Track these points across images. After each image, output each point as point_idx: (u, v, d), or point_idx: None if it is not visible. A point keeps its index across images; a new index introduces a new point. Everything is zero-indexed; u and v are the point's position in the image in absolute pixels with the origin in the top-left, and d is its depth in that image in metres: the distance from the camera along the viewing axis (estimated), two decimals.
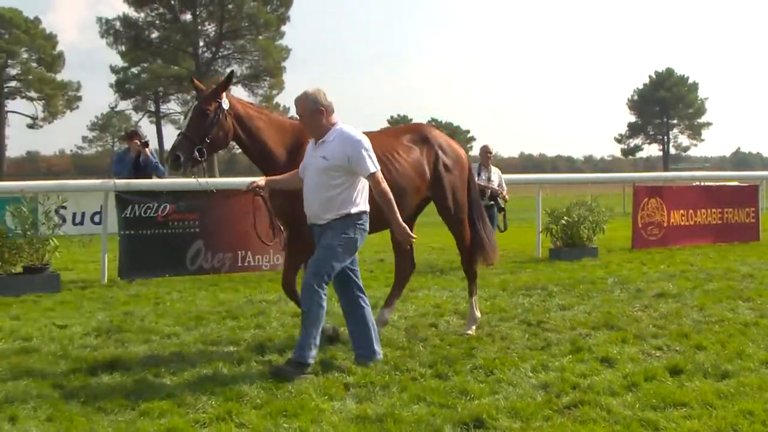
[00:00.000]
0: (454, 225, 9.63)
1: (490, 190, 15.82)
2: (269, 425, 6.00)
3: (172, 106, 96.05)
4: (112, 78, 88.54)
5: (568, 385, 6.96)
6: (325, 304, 7.70)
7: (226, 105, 8.08)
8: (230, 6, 77.97)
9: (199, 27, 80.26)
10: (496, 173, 16.21)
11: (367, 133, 9.06)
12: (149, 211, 13.60)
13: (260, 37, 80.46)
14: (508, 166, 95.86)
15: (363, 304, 8.13)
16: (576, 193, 27.39)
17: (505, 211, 16.19)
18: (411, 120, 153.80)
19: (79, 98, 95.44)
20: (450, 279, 13.93)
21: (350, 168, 7.56)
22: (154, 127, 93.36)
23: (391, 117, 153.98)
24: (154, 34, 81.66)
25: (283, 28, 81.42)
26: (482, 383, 7.10)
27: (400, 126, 9.42)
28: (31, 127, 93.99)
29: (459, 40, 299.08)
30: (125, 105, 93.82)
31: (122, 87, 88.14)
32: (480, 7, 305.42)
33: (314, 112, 7.64)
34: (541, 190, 18.90)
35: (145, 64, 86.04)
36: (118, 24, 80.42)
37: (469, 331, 9.22)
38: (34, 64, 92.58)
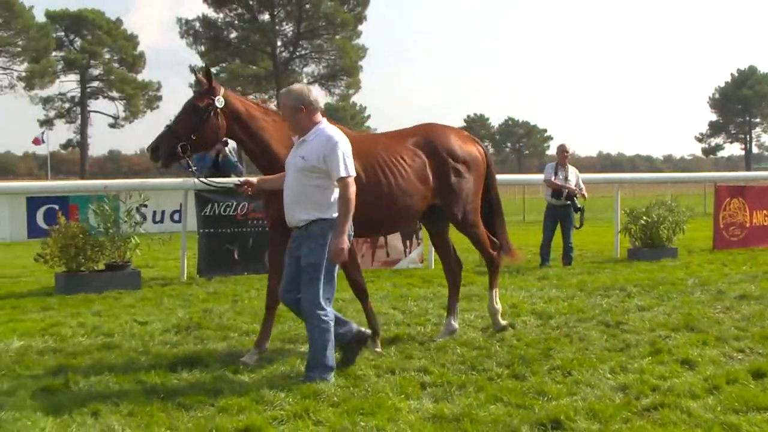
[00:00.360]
0: (467, 229, 9.25)
1: (566, 190, 15.68)
2: (346, 423, 6.01)
3: None
4: (192, 78, 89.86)
5: (647, 387, 6.87)
6: (323, 326, 7.28)
7: (220, 103, 7.90)
8: (308, 6, 78.43)
9: (277, 27, 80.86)
10: (573, 172, 16.06)
11: (372, 136, 9.01)
12: (228, 209, 13.75)
13: (337, 37, 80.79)
14: (585, 165, 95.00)
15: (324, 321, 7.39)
16: (655, 192, 27.06)
17: (583, 209, 16.02)
18: (488, 119, 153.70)
19: (160, 98, 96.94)
20: (526, 279, 13.83)
21: (327, 169, 7.21)
22: None
23: (468, 116, 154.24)
24: (233, 35, 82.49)
25: (360, 27, 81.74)
26: (560, 384, 7.05)
27: (407, 128, 9.03)
28: (112, 126, 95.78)
29: (536, 38, 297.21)
30: None
31: (201, 86, 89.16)
32: (557, 6, 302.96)
33: (294, 109, 7.32)
34: (619, 190, 18.66)
35: (224, 64, 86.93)
36: (197, 24, 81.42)
37: (503, 323, 9.34)
38: (116, 65, 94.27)
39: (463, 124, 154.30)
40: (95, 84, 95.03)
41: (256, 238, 13.89)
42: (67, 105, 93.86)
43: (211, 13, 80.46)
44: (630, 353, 8.20)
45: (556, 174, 15.81)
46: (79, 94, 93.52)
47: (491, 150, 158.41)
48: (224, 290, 12.62)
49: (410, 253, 15.08)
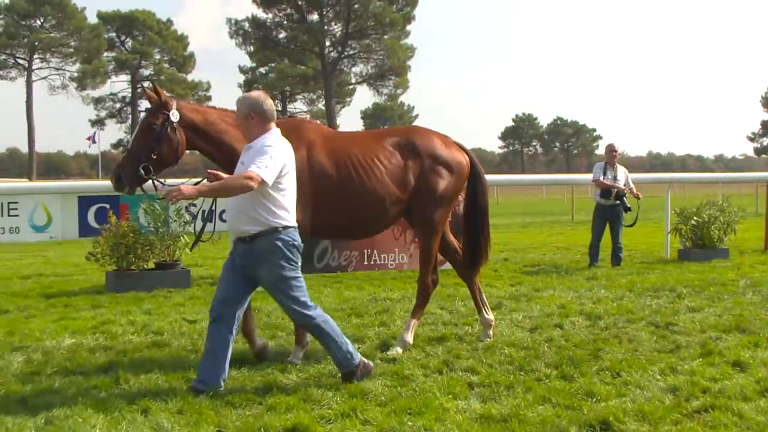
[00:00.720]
0: (423, 237, 8.82)
1: (615, 190, 15.56)
2: (393, 423, 6.01)
3: (299, 105, 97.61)
4: (241, 78, 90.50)
5: (698, 389, 6.80)
6: (320, 320, 7.21)
7: (175, 117, 7.57)
8: (356, 6, 78.55)
9: (326, 27, 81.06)
10: (622, 172, 15.93)
11: (350, 134, 8.90)
12: None
13: (386, 37, 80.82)
14: (635, 165, 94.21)
15: (227, 331, 7.22)
16: (706, 192, 26.78)
17: (632, 209, 15.88)
18: (536, 119, 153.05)
19: (209, 98, 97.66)
20: (575, 279, 13.74)
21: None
22: None
23: (516, 115, 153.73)
24: (282, 35, 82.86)
25: (409, 27, 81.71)
26: (609, 385, 6.99)
27: (389, 129, 8.81)
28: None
29: (585, 37, 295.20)
30: None
31: (250, 86, 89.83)
32: (606, 4, 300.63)
33: (245, 116, 7.11)
34: (669, 190, 18.49)
35: (273, 64, 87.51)
36: (246, 25, 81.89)
37: (397, 350, 8.39)
38: (166, 65, 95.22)
39: (511, 123, 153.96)
40: (146, 84, 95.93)
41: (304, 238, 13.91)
42: (117, 105, 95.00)
43: (260, 13, 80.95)
44: (680, 354, 8.12)
45: (605, 174, 15.69)
46: (129, 95, 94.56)
47: (539, 149, 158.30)
48: None
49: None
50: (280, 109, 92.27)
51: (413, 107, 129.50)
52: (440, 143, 8.73)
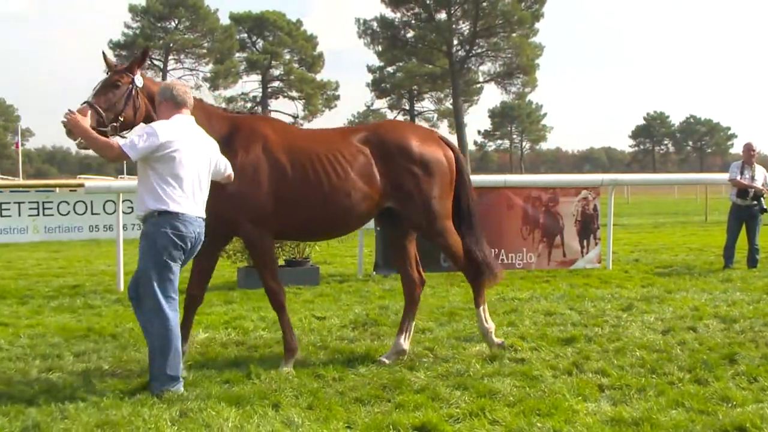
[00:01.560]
0: (433, 237, 8.39)
1: (753, 190, 15.11)
2: (522, 423, 5.97)
3: (426, 105, 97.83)
4: (369, 77, 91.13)
5: None
6: (171, 325, 6.93)
7: (139, 82, 7.48)
8: (484, 4, 78.18)
9: (454, 25, 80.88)
10: (760, 171, 15.44)
11: (313, 131, 8.54)
12: None
13: (514, 35, 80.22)
14: None
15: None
16: None
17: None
18: (668, 117, 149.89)
19: (337, 97, 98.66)
20: (709, 281, 13.40)
21: (150, 158, 6.86)
22: None
23: (647, 114, 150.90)
24: (410, 34, 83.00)
25: (537, 24, 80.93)
26: (745, 390, 6.81)
27: (361, 125, 8.39)
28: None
29: (720, 33, 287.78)
30: (381, 103, 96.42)
31: (378, 86, 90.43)
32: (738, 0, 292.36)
33: (158, 103, 7.22)
34: None
35: (401, 63, 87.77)
36: (375, 24, 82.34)
37: (497, 341, 8.37)
38: (296, 65, 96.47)
39: (642, 122, 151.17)
40: (275, 84, 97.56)
41: None
42: (249, 105, 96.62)
43: (388, 13, 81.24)
44: None
45: (741, 173, 15.25)
46: (260, 94, 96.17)
47: (671, 149, 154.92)
48: (400, 287, 12.60)
49: (587, 253, 14.84)
50: (407, 108, 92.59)
51: (541, 105, 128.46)
52: (414, 138, 8.24)
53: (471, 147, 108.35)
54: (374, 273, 13.95)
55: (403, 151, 8.08)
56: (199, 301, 8.27)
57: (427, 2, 79.61)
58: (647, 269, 15.22)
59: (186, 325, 7.89)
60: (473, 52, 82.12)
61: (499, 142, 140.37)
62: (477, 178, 16.64)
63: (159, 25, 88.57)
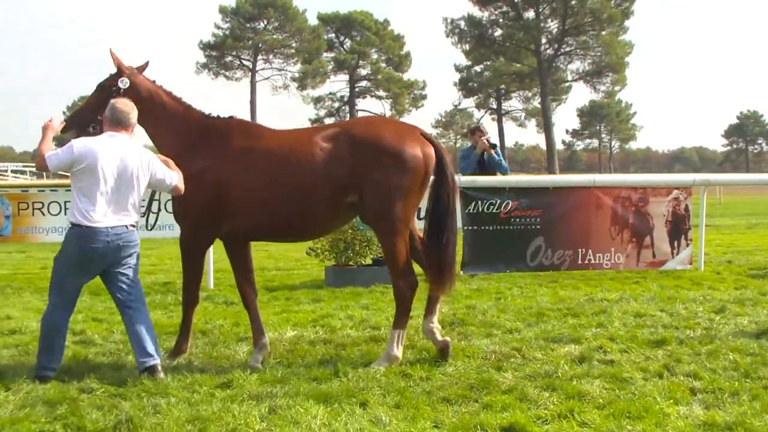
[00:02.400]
0: (381, 237, 8.13)
1: None
2: (612, 426, 5.90)
3: (514, 104, 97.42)
4: (456, 76, 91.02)
5: None
6: (50, 314, 7.51)
7: (124, 84, 8.12)
8: (573, 2, 77.43)
9: (542, 24, 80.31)
10: None
11: (280, 131, 8.47)
12: (492, 207, 13.78)
13: (603, 33, 79.29)
14: None
15: (130, 308, 7.75)
16: None
17: None
18: (762, 116, 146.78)
19: (424, 96, 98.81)
20: None
21: (71, 171, 7.43)
22: (495, 125, 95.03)
23: (741, 113, 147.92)
24: (497, 32, 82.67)
25: (627, 22, 79.87)
26: None
27: (337, 122, 8.25)
28: None
29: None
30: (468, 103, 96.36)
31: (465, 85, 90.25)
32: None
33: (104, 118, 7.72)
34: None
35: (488, 62, 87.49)
36: (462, 24, 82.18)
37: (381, 367, 7.72)
38: (383, 64, 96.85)
39: (736, 121, 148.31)
40: (363, 84, 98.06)
41: (519, 236, 13.87)
42: (336, 104, 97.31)
43: (476, 11, 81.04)
44: None
45: None
46: (347, 94, 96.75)
47: (765, 148, 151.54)
48: (487, 287, 12.69)
49: (678, 254, 14.60)
50: (494, 107, 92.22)
51: (631, 104, 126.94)
52: (388, 133, 7.98)
53: (559, 146, 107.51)
54: (461, 273, 13.91)
55: (370, 145, 7.87)
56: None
57: (516, 1, 79.19)
58: (740, 271, 14.91)
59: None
60: (562, 50, 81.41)
61: (588, 141, 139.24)
62: (565, 178, 16.51)
63: (248, 25, 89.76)
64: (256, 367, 7.76)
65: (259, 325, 8.21)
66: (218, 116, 8.38)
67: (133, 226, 7.58)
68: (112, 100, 7.78)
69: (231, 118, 8.36)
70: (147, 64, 8.56)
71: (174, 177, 7.73)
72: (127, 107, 7.67)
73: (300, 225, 8.19)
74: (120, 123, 7.61)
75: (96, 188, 7.33)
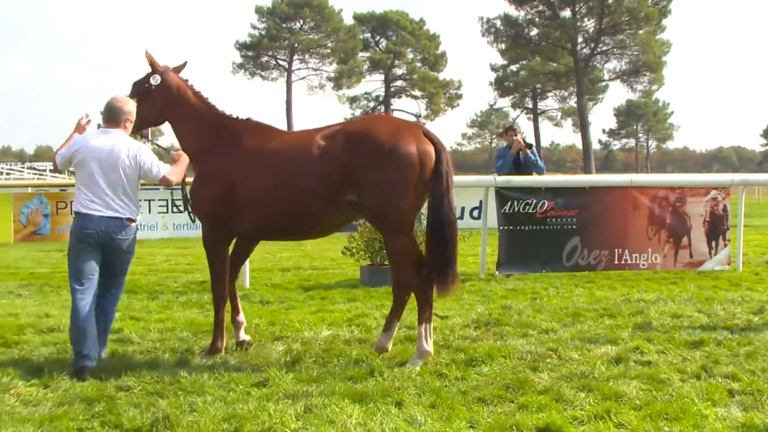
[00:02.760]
0: (385, 232, 8.14)
1: None
2: (649, 427, 5.87)
3: (550, 103, 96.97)
4: (492, 75, 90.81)
5: None
6: (76, 302, 7.76)
7: (155, 81, 8.50)
8: (610, 1, 76.95)
9: (578, 23, 79.90)
10: None
11: (292, 133, 8.66)
12: (528, 207, 13.74)
13: (640, 32, 78.72)
14: None
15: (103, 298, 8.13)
16: None
17: None
18: None
19: (460, 96, 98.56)
20: None
21: (73, 166, 8.06)
22: (531, 124, 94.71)
23: None
24: (533, 32, 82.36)
25: (665, 21, 79.25)
26: None
27: (345, 121, 8.21)
28: None
29: None
30: (503, 102, 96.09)
31: (501, 84, 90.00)
32: None
33: None
34: None
35: (524, 62, 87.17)
36: (498, 23, 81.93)
37: (416, 366, 7.72)
38: (419, 64, 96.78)
39: None
40: (398, 83, 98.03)
41: (555, 236, 13.82)
42: (372, 104, 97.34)
43: (512, 11, 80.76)
44: None
45: None
46: (383, 93, 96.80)
47: None
48: (523, 287, 12.65)
49: (716, 254, 14.48)
50: (530, 107, 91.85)
51: (668, 104, 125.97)
52: (382, 130, 7.90)
53: (595, 146, 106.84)
54: (497, 272, 13.88)
55: (364, 143, 7.82)
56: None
57: (552, 0, 78.82)
58: None
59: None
60: (598, 49, 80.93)
61: (625, 141, 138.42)
62: (601, 178, 16.43)
63: (284, 25, 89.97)
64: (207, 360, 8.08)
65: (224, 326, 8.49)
66: (236, 117, 8.56)
67: (131, 220, 7.95)
68: (109, 97, 8.15)
69: (248, 119, 8.50)
70: (185, 64, 8.85)
71: (163, 168, 8.07)
72: (119, 103, 8.10)
73: (301, 224, 8.33)
74: (112, 119, 8.06)
75: (90, 180, 7.84)
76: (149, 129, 8.96)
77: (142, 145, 8.15)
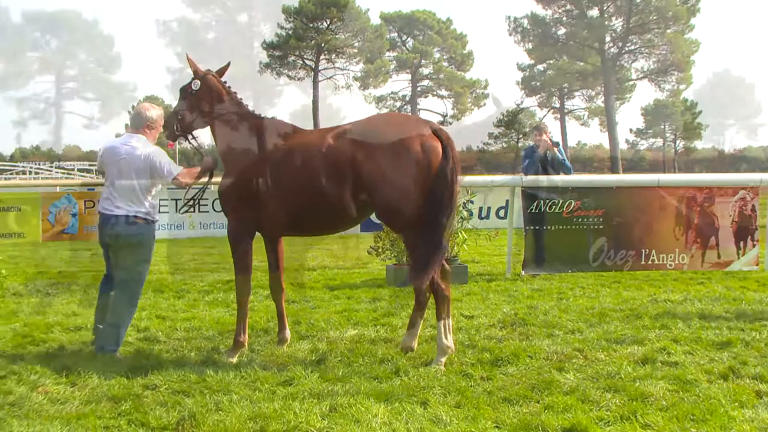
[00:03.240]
0: (400, 229, 8.22)
1: None
2: (675, 429, 5.85)
3: (577, 102, 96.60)
4: (519, 75, 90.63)
5: None
6: (101, 288, 8.61)
7: (195, 86, 8.72)
8: (638, 0, 76.63)
9: (606, 22, 79.62)
10: None
11: (309, 132, 8.69)
12: (554, 206, 13.71)
13: (668, 31, 78.38)
14: None
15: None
16: None
17: None
18: None
19: (486, 95, 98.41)
20: None
21: None
22: (558, 123, 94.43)
23: None
24: (561, 31, 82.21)
25: (693, 20, 78.86)
26: None
27: (352, 122, 8.16)
28: (441, 124, 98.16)
29: None
30: (530, 102, 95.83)
31: (528, 84, 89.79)
32: None
33: None
34: None
35: (551, 61, 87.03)
36: (525, 22, 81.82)
37: (440, 366, 7.73)
38: (445, 63, 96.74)
39: None
40: (425, 83, 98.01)
41: (582, 236, 13.77)
42: (398, 104, 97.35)
43: (539, 10, 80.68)
44: None
45: None
46: (409, 93, 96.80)
47: None
48: (549, 287, 12.61)
49: (744, 254, 14.37)
50: (557, 106, 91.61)
51: (696, 103, 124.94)
52: (387, 128, 8.01)
53: (623, 145, 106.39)
54: (523, 272, 13.84)
55: (369, 141, 7.86)
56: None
57: None
58: None
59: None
60: (626, 48, 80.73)
61: (652, 140, 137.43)
62: (628, 178, 16.33)
63: (311, 25, 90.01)
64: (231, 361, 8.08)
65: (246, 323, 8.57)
66: (262, 116, 8.65)
67: (137, 217, 8.24)
68: (141, 107, 8.67)
69: (272, 118, 8.62)
70: (228, 65, 9.05)
71: (175, 169, 8.43)
72: (140, 110, 8.60)
73: (314, 222, 8.40)
74: (133, 125, 8.63)
75: (108, 182, 8.34)
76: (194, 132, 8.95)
77: (156, 147, 8.44)
